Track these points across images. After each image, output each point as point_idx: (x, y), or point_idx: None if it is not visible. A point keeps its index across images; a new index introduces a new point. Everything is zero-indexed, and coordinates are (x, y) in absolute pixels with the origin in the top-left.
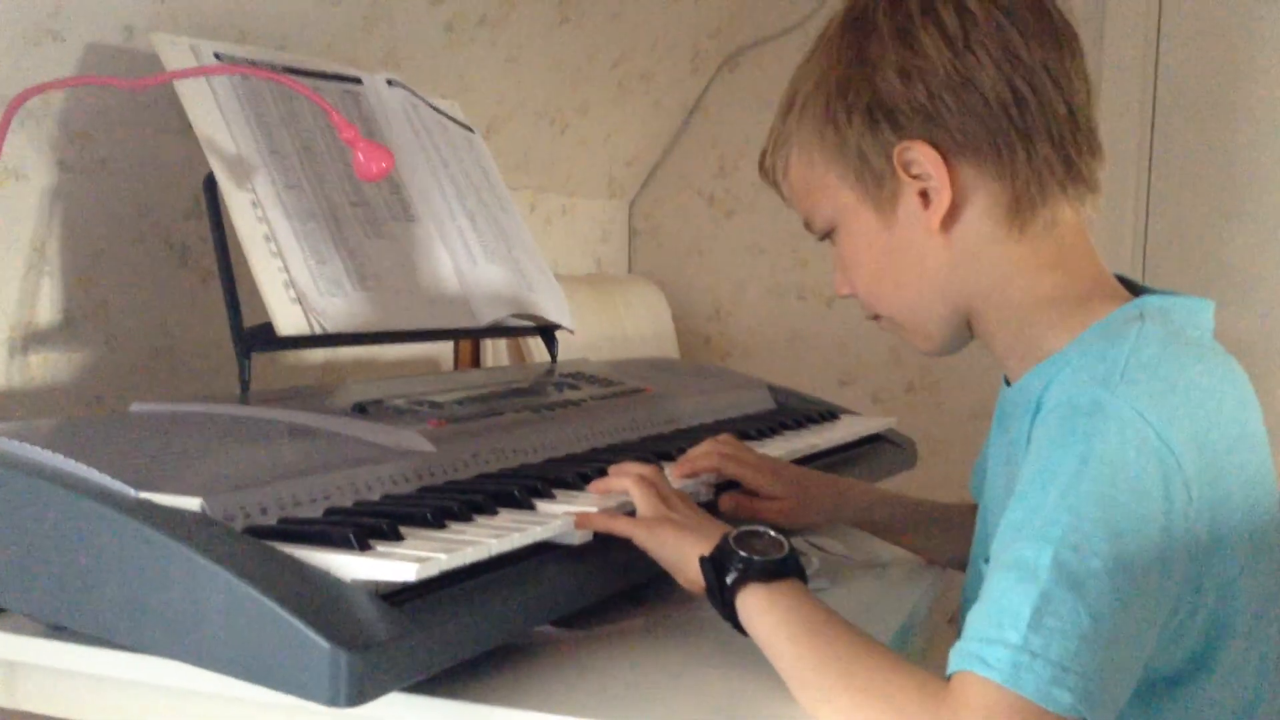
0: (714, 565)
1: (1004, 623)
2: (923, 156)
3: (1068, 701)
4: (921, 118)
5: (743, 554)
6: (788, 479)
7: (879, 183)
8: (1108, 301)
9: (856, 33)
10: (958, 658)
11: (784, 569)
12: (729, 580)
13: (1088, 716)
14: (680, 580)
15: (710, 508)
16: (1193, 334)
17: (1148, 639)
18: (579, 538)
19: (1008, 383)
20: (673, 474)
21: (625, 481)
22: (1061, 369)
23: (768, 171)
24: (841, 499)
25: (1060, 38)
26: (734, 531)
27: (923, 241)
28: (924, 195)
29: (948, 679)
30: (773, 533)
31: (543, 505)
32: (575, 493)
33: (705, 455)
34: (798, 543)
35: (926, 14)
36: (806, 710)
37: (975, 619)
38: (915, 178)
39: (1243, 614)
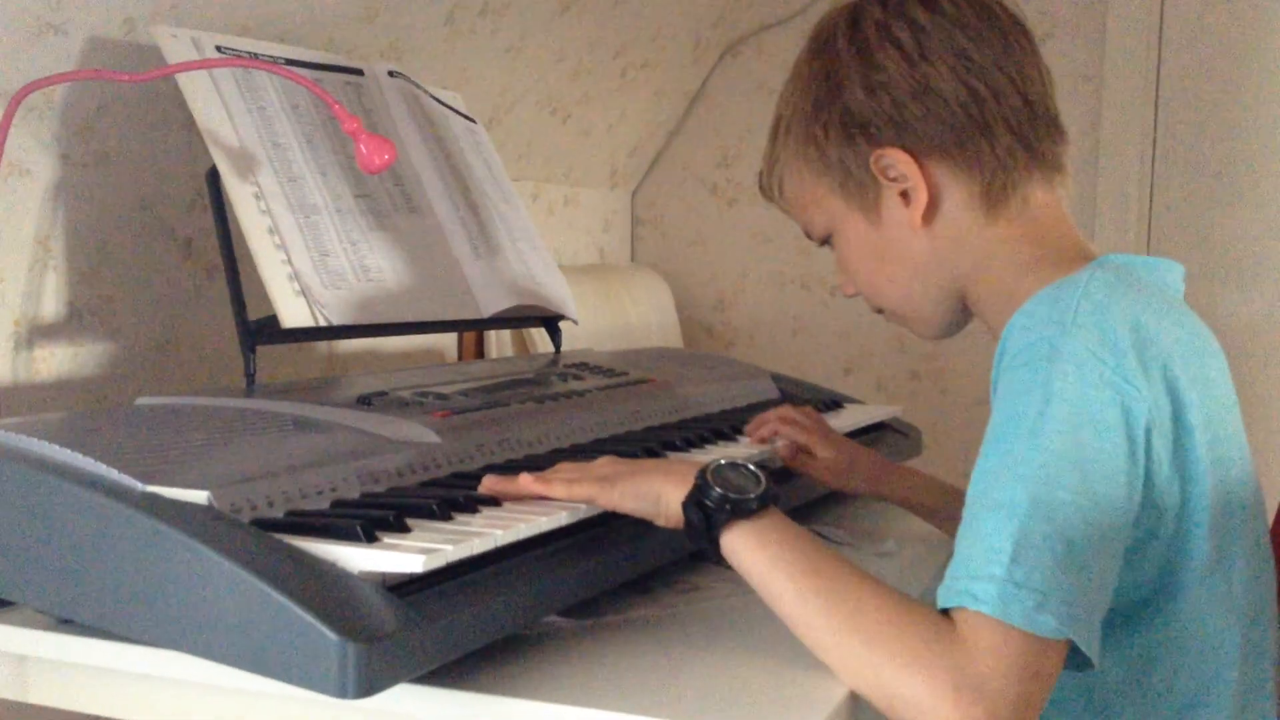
0: (697, 505)
1: (990, 558)
2: (897, 161)
3: (1052, 625)
4: (891, 126)
5: (720, 491)
6: (837, 445)
7: (862, 190)
8: (1080, 264)
9: (823, 58)
10: (948, 594)
11: (765, 502)
12: (716, 520)
13: (1072, 637)
14: (659, 523)
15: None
16: (1153, 286)
17: (1117, 560)
18: (546, 523)
19: None
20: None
21: (558, 491)
22: (1017, 317)
23: (766, 190)
24: (886, 474)
25: (1008, 37)
26: (709, 467)
27: (908, 237)
28: (904, 195)
29: (943, 612)
30: (750, 466)
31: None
32: None
33: (769, 420)
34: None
35: (882, 33)
36: (813, 651)
37: (961, 557)
38: (893, 180)
39: (1203, 548)
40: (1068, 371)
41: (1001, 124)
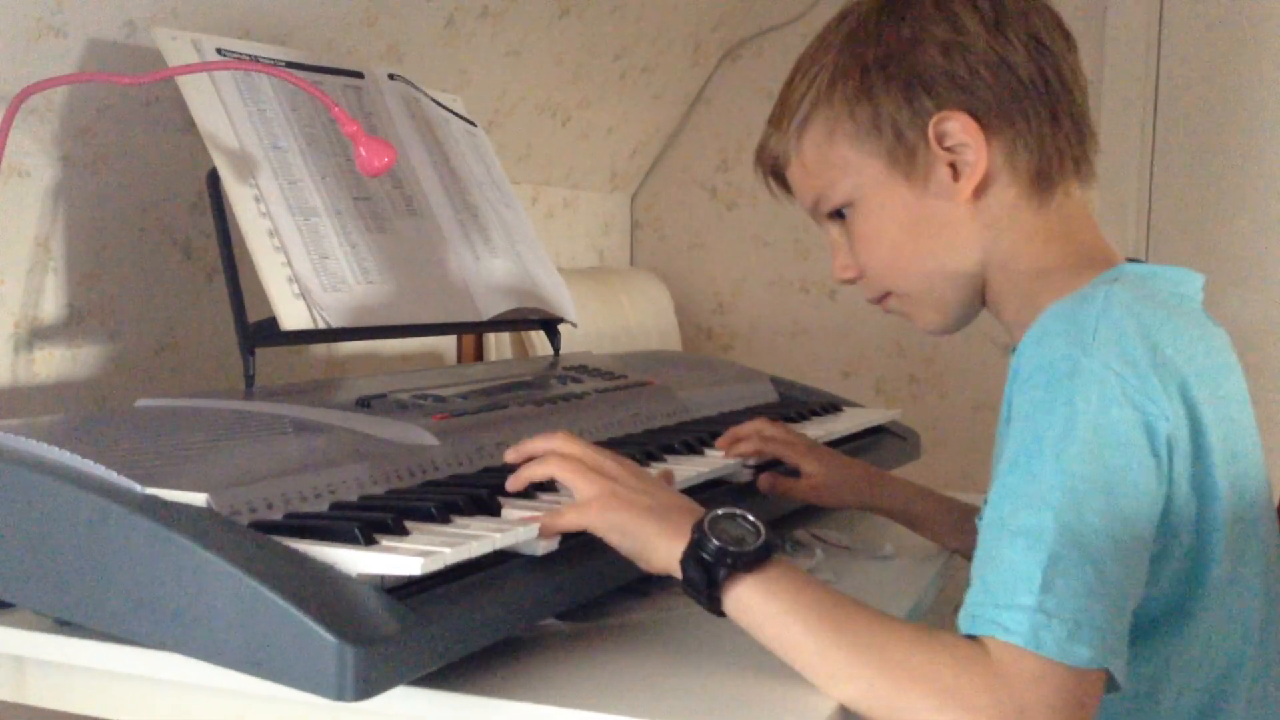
0: (697, 563)
1: (1017, 587)
2: (960, 126)
3: (1086, 655)
4: (959, 90)
5: (718, 544)
6: (824, 459)
7: (910, 155)
8: (1101, 271)
9: (898, 12)
10: (972, 623)
11: (767, 553)
12: (716, 575)
13: (1107, 666)
14: (641, 566)
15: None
16: (1170, 300)
17: (1143, 580)
18: (543, 548)
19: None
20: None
21: (547, 469)
22: (1033, 332)
23: (769, 157)
24: (875, 486)
25: (1069, 38)
26: (705, 519)
27: (950, 210)
28: (952, 167)
29: (969, 637)
30: (750, 517)
31: (546, 498)
32: None
33: (746, 436)
34: (801, 535)
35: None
36: (843, 701)
37: (986, 583)
38: (947, 150)
39: (1218, 567)
40: (1090, 390)
41: (1065, 111)
